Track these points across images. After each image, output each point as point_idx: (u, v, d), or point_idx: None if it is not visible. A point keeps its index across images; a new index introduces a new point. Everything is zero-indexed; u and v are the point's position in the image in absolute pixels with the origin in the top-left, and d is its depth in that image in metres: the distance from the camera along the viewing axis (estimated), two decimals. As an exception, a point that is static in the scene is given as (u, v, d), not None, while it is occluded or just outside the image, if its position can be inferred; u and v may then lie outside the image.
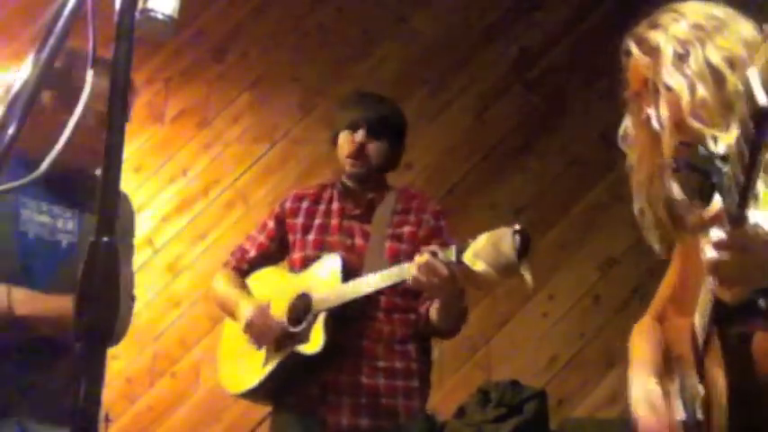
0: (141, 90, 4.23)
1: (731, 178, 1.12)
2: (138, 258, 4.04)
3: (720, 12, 1.54)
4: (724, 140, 1.36)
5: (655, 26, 1.57)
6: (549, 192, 4.16)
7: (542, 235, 4.09)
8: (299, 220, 2.65)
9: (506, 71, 4.31)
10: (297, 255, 2.60)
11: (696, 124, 1.45)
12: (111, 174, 1.02)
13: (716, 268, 1.21)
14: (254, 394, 2.58)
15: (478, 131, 4.25)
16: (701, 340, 1.41)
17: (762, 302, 1.26)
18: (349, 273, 2.44)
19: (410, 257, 2.40)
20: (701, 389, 1.44)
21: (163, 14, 1.48)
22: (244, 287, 2.67)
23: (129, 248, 2.22)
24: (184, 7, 1.50)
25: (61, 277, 2.03)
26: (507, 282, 2.18)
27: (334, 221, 2.60)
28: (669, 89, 1.50)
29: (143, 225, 4.11)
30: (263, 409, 3.07)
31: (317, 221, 2.62)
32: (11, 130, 1.04)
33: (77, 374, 0.96)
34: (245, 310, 2.51)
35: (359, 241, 2.56)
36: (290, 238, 2.65)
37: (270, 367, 2.49)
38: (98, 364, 0.98)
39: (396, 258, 2.46)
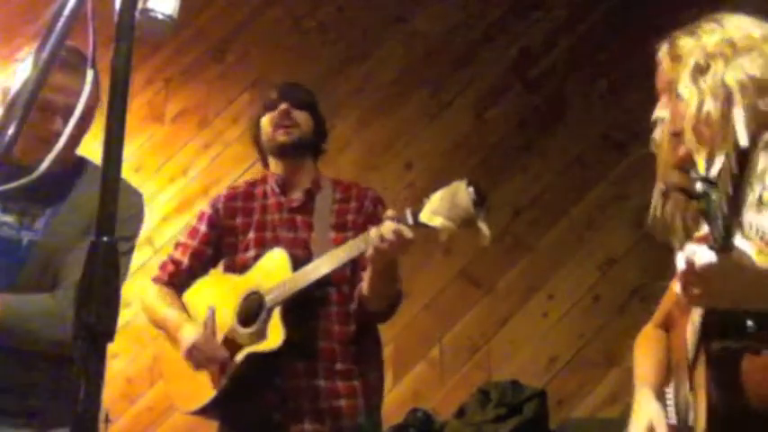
0: (141, 90, 4.24)
1: (717, 206, 1.13)
2: (138, 258, 4.04)
3: (759, 32, 1.51)
4: (717, 162, 1.36)
5: (691, 33, 1.56)
6: (549, 191, 4.16)
7: (542, 234, 4.10)
8: (238, 221, 2.55)
9: (506, 71, 4.31)
10: (239, 256, 2.50)
11: (692, 139, 1.45)
12: (110, 174, 1.02)
13: (688, 291, 1.22)
14: (209, 409, 2.44)
15: (478, 131, 4.25)
16: (690, 354, 1.42)
17: (751, 325, 1.27)
18: (298, 262, 2.36)
19: None
20: (690, 398, 1.44)
21: (163, 14, 1.48)
22: (178, 304, 2.53)
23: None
24: (184, 7, 1.50)
25: (22, 276, 1.98)
26: (468, 232, 2.13)
27: (274, 217, 2.52)
28: (680, 98, 1.49)
29: (143, 225, 4.11)
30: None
31: (256, 218, 2.53)
32: (11, 131, 1.04)
33: (78, 374, 0.96)
34: (186, 334, 2.37)
35: (302, 234, 2.48)
36: (229, 240, 2.54)
37: (228, 375, 2.37)
38: (98, 363, 0.97)
39: None
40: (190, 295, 2.57)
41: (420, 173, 4.18)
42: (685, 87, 1.48)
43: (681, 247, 1.54)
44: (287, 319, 2.32)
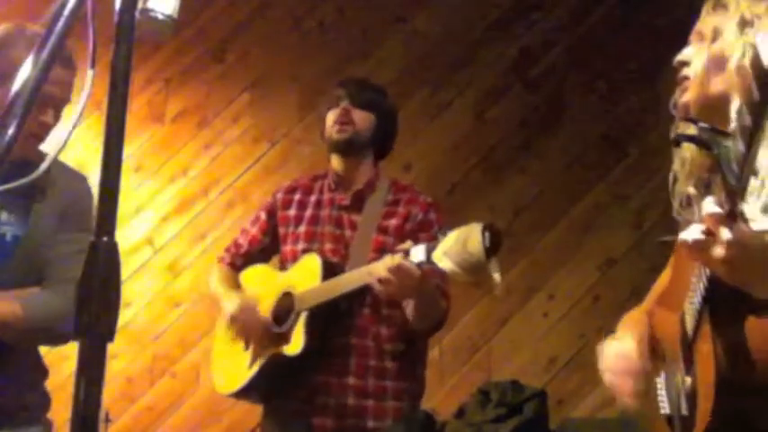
0: (141, 90, 4.24)
1: (732, 151, 1.10)
2: (138, 258, 4.05)
3: None
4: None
5: None
6: (549, 192, 4.16)
7: (542, 235, 4.10)
8: (292, 212, 2.59)
9: (506, 71, 4.31)
10: (288, 247, 2.55)
11: (731, 82, 1.42)
12: (110, 174, 1.02)
13: (701, 257, 1.20)
14: (243, 395, 2.54)
15: (478, 131, 4.25)
16: (690, 325, 1.41)
17: None
18: (329, 270, 2.38)
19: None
20: (687, 379, 1.43)
21: (163, 14, 1.48)
22: (235, 284, 2.63)
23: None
24: (184, 7, 1.50)
25: (7, 271, 1.97)
26: (478, 280, 2.12)
27: (326, 212, 2.55)
28: (718, 38, 1.48)
29: (143, 225, 4.12)
30: (263, 409, 3.07)
31: (309, 213, 2.57)
32: (11, 130, 1.04)
33: (78, 374, 0.96)
34: (229, 304, 2.49)
35: (347, 233, 2.51)
36: (282, 230, 2.60)
37: (255, 368, 2.44)
38: (98, 363, 0.97)
39: (381, 251, 2.40)
40: (245, 278, 2.66)
41: (420, 173, 4.18)
42: (731, 33, 1.47)
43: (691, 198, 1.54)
44: (310, 327, 2.34)
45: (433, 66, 4.31)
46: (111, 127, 1.02)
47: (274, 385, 2.45)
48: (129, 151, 4.06)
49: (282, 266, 2.58)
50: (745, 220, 1.12)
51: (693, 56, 1.53)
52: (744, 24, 1.47)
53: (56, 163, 2.08)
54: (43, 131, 1.99)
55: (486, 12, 4.37)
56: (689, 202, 1.53)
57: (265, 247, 2.65)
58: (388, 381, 2.42)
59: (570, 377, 3.93)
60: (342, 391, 2.37)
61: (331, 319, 2.38)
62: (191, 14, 4.27)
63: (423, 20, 4.37)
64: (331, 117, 2.56)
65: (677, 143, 1.43)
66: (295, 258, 2.51)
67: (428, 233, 2.43)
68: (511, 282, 4.03)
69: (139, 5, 1.08)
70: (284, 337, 2.39)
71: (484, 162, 4.21)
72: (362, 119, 2.54)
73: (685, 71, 1.53)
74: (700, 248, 1.19)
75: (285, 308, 2.43)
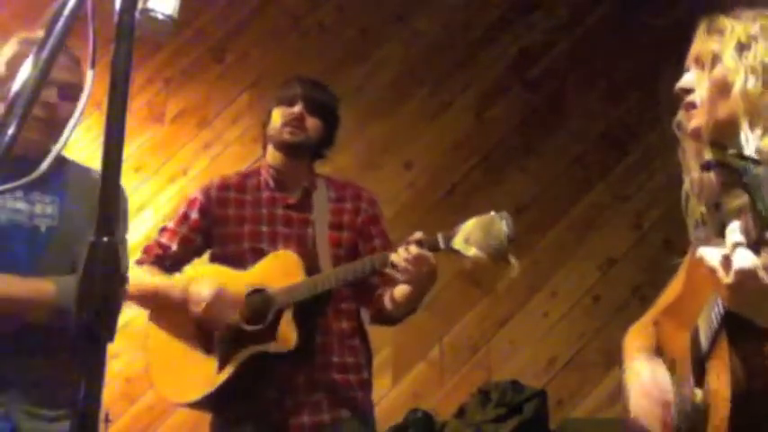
0: (141, 90, 4.24)
1: (762, 178, 1.11)
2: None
3: None
4: (756, 140, 1.36)
5: (732, 15, 1.56)
6: (549, 192, 4.16)
7: (542, 235, 4.10)
8: (230, 211, 2.52)
9: (506, 71, 4.31)
10: (231, 247, 2.47)
11: (740, 106, 1.43)
12: (111, 174, 1.02)
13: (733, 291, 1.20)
14: (205, 403, 2.40)
15: (478, 131, 4.25)
16: (705, 340, 1.41)
17: None
18: (311, 266, 2.38)
19: (352, 246, 2.46)
20: (698, 392, 1.43)
21: (163, 14, 1.48)
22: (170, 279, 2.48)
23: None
24: (184, 7, 1.50)
25: (43, 262, 2.02)
26: (495, 265, 2.28)
27: (268, 211, 2.50)
28: (717, 63, 1.49)
29: (143, 225, 4.11)
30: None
31: (249, 212, 2.50)
32: (11, 130, 1.04)
33: (77, 374, 0.96)
34: (203, 289, 2.33)
35: (300, 231, 2.48)
36: (218, 230, 2.51)
37: (229, 371, 2.33)
38: (98, 363, 0.98)
39: (337, 247, 2.45)
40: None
41: (420, 173, 4.19)
42: (731, 58, 1.48)
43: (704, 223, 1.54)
44: (300, 322, 2.32)
45: (433, 66, 4.31)
46: (111, 127, 1.02)
47: (247, 388, 2.35)
48: (129, 151, 4.06)
49: (226, 266, 2.47)
50: None
51: (695, 83, 1.54)
52: (742, 48, 1.48)
53: (75, 166, 2.18)
54: (47, 112, 1.99)
55: (486, 12, 4.38)
56: (703, 222, 1.54)
57: (196, 247, 2.54)
58: (351, 374, 2.43)
59: (570, 377, 3.93)
60: (311, 388, 2.36)
61: (314, 313, 2.37)
62: (191, 14, 4.28)
63: (423, 20, 4.38)
64: (282, 115, 2.51)
65: (707, 169, 1.44)
66: (242, 258, 2.44)
67: (378, 227, 2.53)
68: (511, 282, 4.03)
69: (139, 5, 1.08)
70: (264, 335, 2.33)
71: (484, 162, 4.21)
72: (314, 126, 2.52)
73: (690, 98, 1.54)
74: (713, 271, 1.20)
75: (255, 305, 2.36)
